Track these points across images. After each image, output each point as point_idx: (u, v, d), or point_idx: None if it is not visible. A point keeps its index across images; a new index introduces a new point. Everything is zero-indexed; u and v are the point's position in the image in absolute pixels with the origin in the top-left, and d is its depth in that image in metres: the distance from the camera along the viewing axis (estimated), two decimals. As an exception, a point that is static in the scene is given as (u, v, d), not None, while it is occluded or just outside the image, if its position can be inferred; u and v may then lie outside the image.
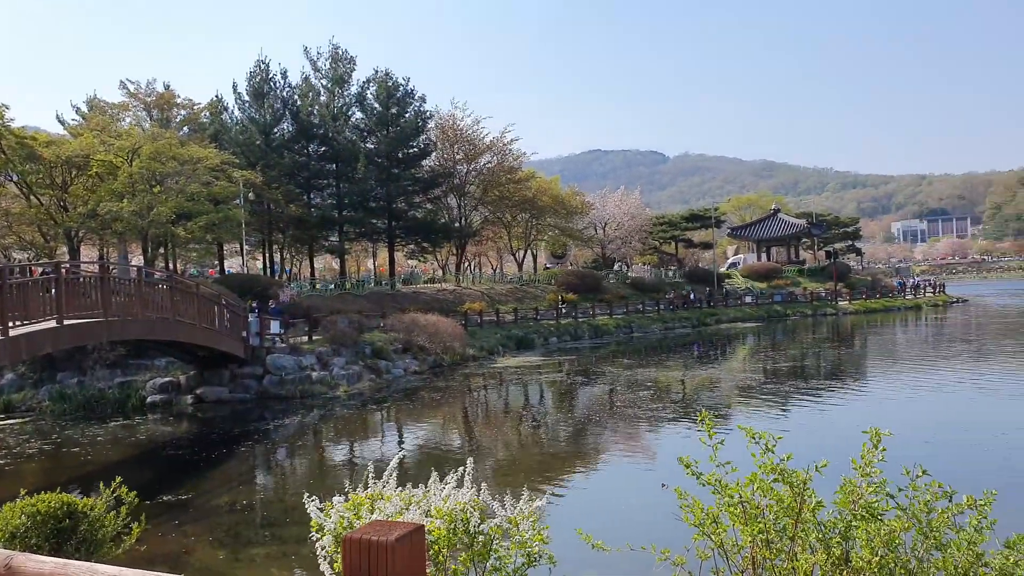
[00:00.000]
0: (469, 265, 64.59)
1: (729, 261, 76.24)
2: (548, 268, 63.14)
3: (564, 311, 41.88)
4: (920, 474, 3.10)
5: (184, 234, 32.06)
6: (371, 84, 44.89)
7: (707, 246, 72.88)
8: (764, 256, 71.06)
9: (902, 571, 2.91)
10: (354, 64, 44.62)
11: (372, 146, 44.33)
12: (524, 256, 61.03)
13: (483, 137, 49.09)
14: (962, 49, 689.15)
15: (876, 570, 2.88)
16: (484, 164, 50.12)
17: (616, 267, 63.65)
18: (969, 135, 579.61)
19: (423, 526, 2.10)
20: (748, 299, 55.91)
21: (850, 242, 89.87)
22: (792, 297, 56.90)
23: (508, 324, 37.30)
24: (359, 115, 45.74)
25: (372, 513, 4.07)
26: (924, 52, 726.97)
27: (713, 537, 3.27)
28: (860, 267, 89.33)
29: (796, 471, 3.19)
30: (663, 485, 3.98)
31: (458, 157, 49.09)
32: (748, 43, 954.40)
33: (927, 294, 62.99)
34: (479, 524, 3.92)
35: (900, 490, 3.09)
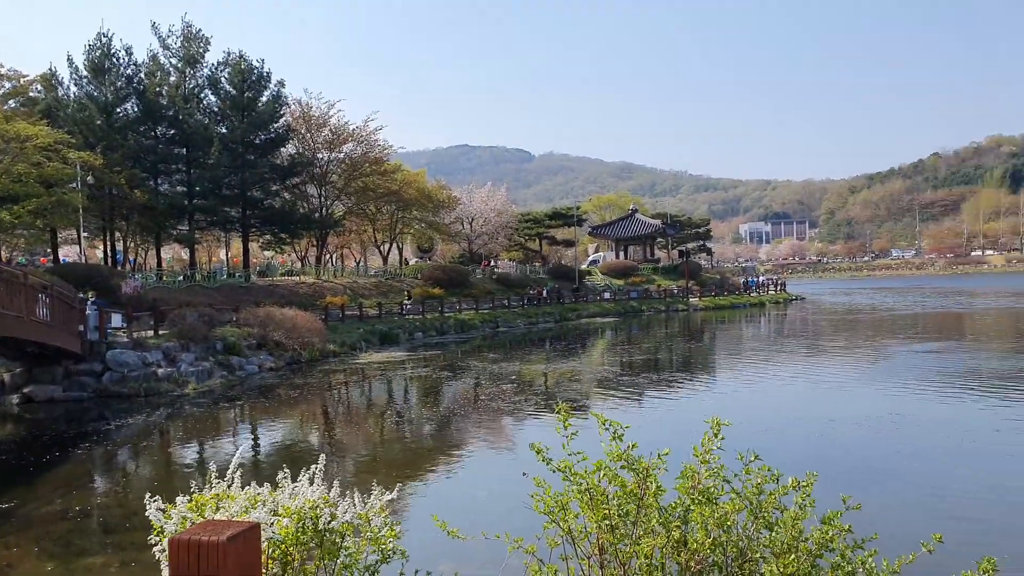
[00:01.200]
0: (331, 258, 62.97)
1: (590, 258, 78.74)
2: (415, 262, 62.66)
3: (427, 306, 41.69)
4: (752, 459, 3.30)
5: (9, 218, 29.21)
6: (225, 67, 42.67)
7: (569, 244, 74.88)
8: (622, 254, 73.94)
9: (734, 550, 3.09)
10: (207, 44, 42.28)
11: (226, 131, 42.14)
12: (389, 250, 60.25)
13: (346, 125, 47.98)
14: (799, 66, 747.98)
15: (710, 550, 3.04)
16: (347, 153, 49.00)
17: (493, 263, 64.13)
18: (808, 145, 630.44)
19: (258, 524, 1.99)
20: (607, 295, 58.00)
21: (701, 242, 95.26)
22: (647, 294, 59.56)
23: (372, 319, 36.70)
24: (212, 98, 43.39)
25: (216, 513, 3.86)
26: (767, 67, 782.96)
27: (561, 524, 3.33)
28: (710, 266, 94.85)
29: (641, 458, 3.31)
30: (524, 474, 4.01)
31: (319, 145, 47.69)
32: (610, 47, 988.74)
33: (770, 292, 67.82)
34: (329, 521, 3.80)
35: (735, 475, 3.28)
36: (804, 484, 3.23)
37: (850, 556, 2.97)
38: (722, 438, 3.32)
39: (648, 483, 3.25)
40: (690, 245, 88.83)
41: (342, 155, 49.01)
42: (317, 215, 47.82)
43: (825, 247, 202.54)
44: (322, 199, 48.85)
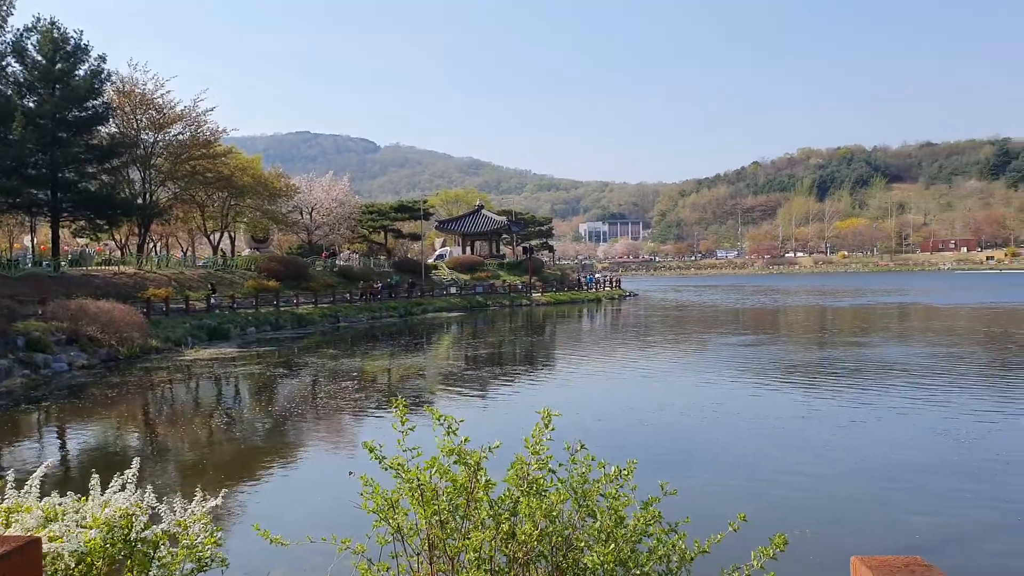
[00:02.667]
0: (155, 247, 58.82)
1: (437, 253, 78.75)
2: (249, 253, 59.73)
3: (262, 299, 39.94)
4: (579, 448, 3.40)
5: None
6: (32, 33, 38.54)
7: (416, 237, 74.48)
8: (469, 249, 74.53)
9: (559, 539, 3.17)
10: (11, 7, 37.99)
11: (33, 104, 38.12)
12: (220, 239, 57.05)
13: (173, 105, 44.84)
14: (634, 76, 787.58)
15: (537, 541, 3.10)
16: (174, 135, 45.84)
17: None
18: (643, 149, 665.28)
19: (38, 539, 1.77)
20: (453, 290, 58.25)
21: (544, 239, 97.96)
22: (493, 289, 60.44)
23: (200, 313, 34.62)
24: (17, 67, 39.07)
25: (8, 529, 3.46)
26: (607, 76, 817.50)
27: (391, 522, 3.28)
28: (552, 263, 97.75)
29: (473, 452, 3.32)
30: (350, 473, 3.91)
31: (143, 125, 44.28)
32: (459, 44, 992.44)
33: (606, 288, 70.90)
34: (143, 531, 3.52)
35: (560, 464, 3.36)
36: (625, 471, 3.37)
37: (665, 539, 3.13)
38: (553, 429, 3.40)
39: (478, 477, 3.26)
40: (534, 242, 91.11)
41: (169, 137, 45.79)
42: (140, 200, 44.39)
43: (657, 246, 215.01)
44: (146, 183, 45.40)
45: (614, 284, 73.71)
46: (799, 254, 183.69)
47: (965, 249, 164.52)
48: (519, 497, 3.20)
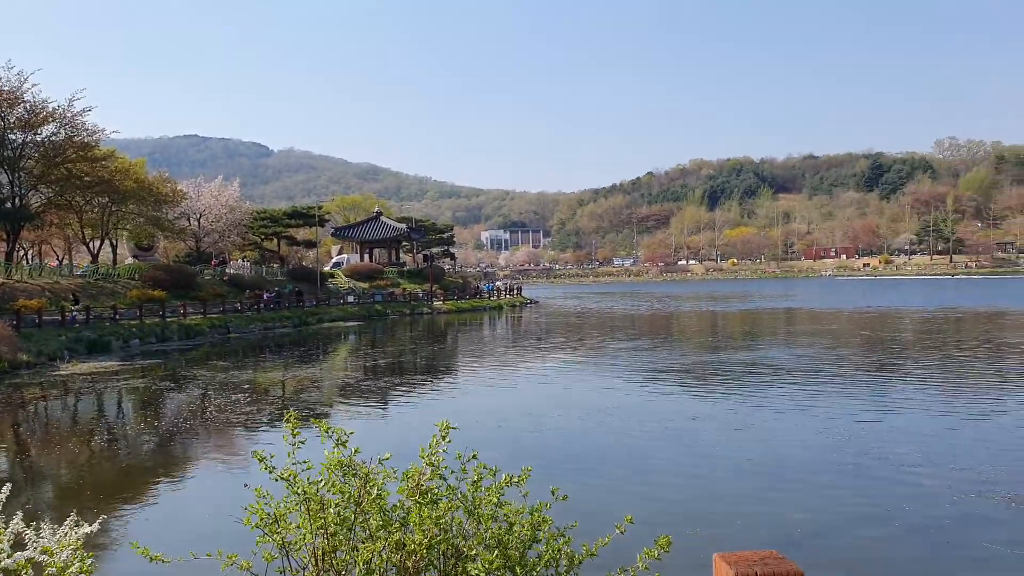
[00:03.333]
0: (26, 255, 54.97)
1: (333, 260, 77.17)
2: (133, 261, 56.71)
3: (147, 309, 38.01)
4: (471, 458, 3.41)
5: None
6: None
7: (311, 244, 72.74)
8: (367, 257, 73.42)
9: (448, 548, 3.17)
10: None
11: None
12: (100, 247, 53.82)
13: (45, 104, 42.04)
14: (531, 86, 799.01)
15: (427, 551, 3.09)
16: (48, 136, 43.01)
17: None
18: (543, 159, 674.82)
19: None
20: (351, 298, 57.21)
21: (445, 247, 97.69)
22: (392, 297, 59.75)
23: (78, 325, 32.59)
24: None
25: None
26: (507, 85, 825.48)
27: (275, 536, 3.19)
28: (454, 270, 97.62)
29: (363, 464, 3.28)
30: (245, 485, 3.79)
31: (11, 124, 41.33)
32: (354, 46, 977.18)
33: (508, 296, 71.42)
34: (8, 559, 3.29)
35: (452, 472, 3.37)
36: (519, 478, 3.41)
37: (554, 544, 3.19)
38: (449, 441, 3.40)
39: (369, 488, 3.22)
40: (435, 250, 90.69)
41: (41, 138, 42.90)
42: (8, 205, 41.37)
43: (557, 255, 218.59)
44: (15, 187, 42.37)
45: (515, 292, 74.39)
46: (692, 262, 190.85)
47: (844, 256, 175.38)
48: (410, 507, 3.18)
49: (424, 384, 21.64)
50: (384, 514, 3.18)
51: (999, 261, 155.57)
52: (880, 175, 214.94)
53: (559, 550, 3.15)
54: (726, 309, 56.39)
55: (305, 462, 3.43)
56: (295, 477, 3.29)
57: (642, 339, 33.86)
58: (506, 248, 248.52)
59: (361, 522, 3.20)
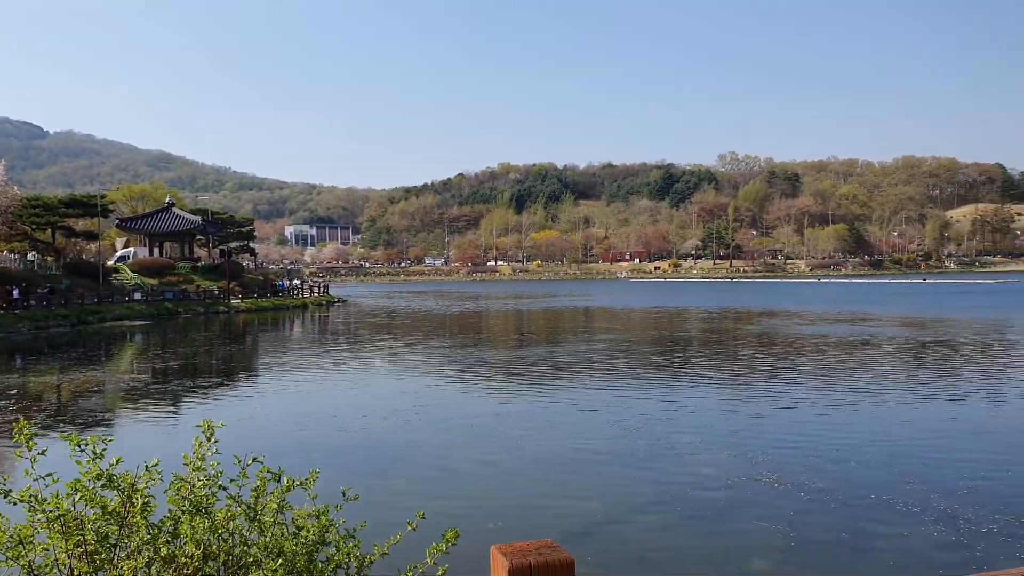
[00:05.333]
0: None
1: (118, 254, 70.53)
2: None
3: None
4: (251, 462, 3.20)
5: None
6: None
7: (93, 236, 66.05)
8: (157, 251, 67.99)
9: (226, 557, 2.94)
10: None
11: None
12: None
13: None
14: (341, 80, 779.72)
15: (200, 562, 2.85)
16: None
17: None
18: (351, 152, 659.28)
19: None
20: (138, 296, 52.66)
21: (245, 242, 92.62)
22: (185, 294, 55.74)
23: None
24: None
25: None
26: (312, 76, 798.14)
27: (21, 560, 2.80)
28: (254, 267, 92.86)
29: (127, 474, 2.96)
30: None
31: None
32: (137, 15, 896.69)
33: (314, 294, 69.11)
34: None
35: (232, 480, 3.14)
36: (306, 481, 3.25)
37: (343, 546, 3.07)
38: (216, 441, 3.16)
39: (135, 500, 2.91)
40: (233, 245, 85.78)
41: None
42: None
43: (367, 252, 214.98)
44: None
45: (322, 290, 72.19)
46: (500, 262, 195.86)
47: (638, 260, 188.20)
48: (180, 518, 2.92)
49: (220, 387, 20.35)
50: (152, 527, 2.89)
51: (770, 266, 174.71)
52: (671, 185, 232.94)
53: (348, 553, 3.04)
54: (531, 308, 58.41)
55: (50, 475, 3.03)
56: (37, 497, 2.88)
57: (452, 338, 34.17)
58: (313, 244, 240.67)
59: (126, 537, 2.89)
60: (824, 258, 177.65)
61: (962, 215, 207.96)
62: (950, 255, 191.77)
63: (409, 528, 3.27)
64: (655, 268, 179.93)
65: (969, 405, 15.90)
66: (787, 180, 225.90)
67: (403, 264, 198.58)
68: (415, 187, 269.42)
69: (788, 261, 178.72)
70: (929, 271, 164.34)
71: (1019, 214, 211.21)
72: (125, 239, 76.20)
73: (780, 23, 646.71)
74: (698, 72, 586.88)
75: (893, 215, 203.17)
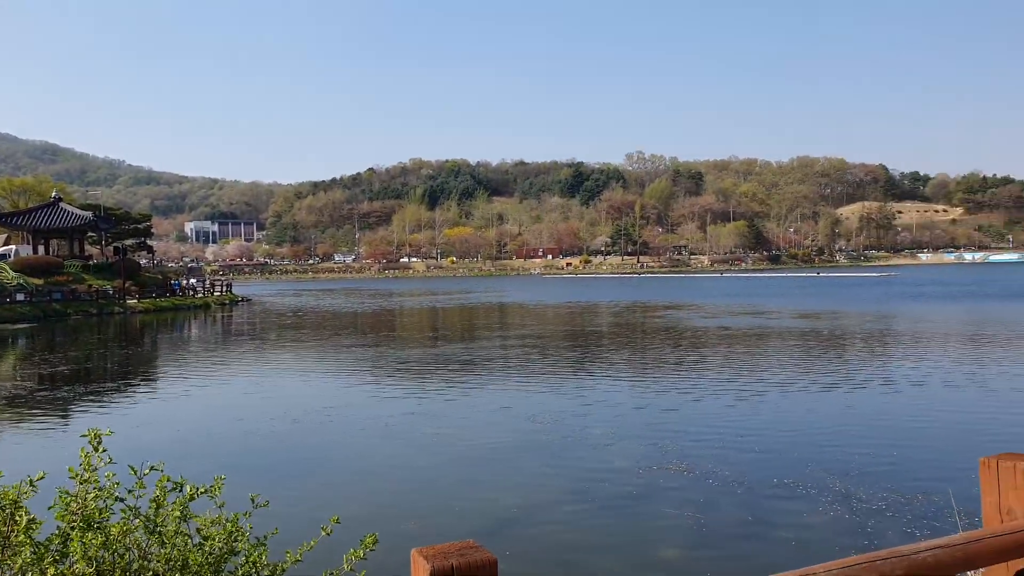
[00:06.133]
0: None
1: (-1, 252, 65.93)
2: None
3: None
4: (148, 471, 3.00)
5: None
6: None
7: (-32, 234, 61.48)
8: (42, 249, 63.87)
9: (122, 573, 2.75)
10: None
11: None
12: None
13: None
14: (238, 69, 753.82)
15: (93, 581, 2.65)
16: None
17: None
18: (255, 146, 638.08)
19: None
20: (20, 297, 49.39)
21: (142, 239, 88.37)
22: (75, 295, 52.69)
23: None
24: None
25: None
26: (207, 68, 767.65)
27: None
28: (152, 265, 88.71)
29: (7, 490, 2.72)
30: None
31: None
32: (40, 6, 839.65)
33: (216, 293, 66.58)
34: None
35: (129, 491, 2.93)
36: (212, 488, 3.08)
37: (253, 555, 2.92)
38: (104, 450, 2.94)
39: (18, 518, 2.68)
40: (128, 242, 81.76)
41: None
42: None
43: (273, 249, 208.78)
44: None
45: (225, 288, 69.63)
46: (413, 259, 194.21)
47: (551, 256, 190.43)
48: (70, 534, 2.70)
49: (114, 392, 19.29)
50: (38, 546, 2.66)
51: (675, 262, 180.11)
52: (581, 183, 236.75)
53: (255, 562, 2.89)
54: (446, 305, 58.17)
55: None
56: None
57: (364, 336, 33.61)
58: (215, 241, 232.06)
59: (9, 559, 2.65)
60: (726, 254, 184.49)
61: (851, 212, 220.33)
62: (840, 250, 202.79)
63: (324, 533, 3.15)
64: (567, 264, 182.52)
65: (862, 393, 16.81)
66: (691, 179, 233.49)
67: (311, 261, 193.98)
68: (323, 182, 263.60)
69: (692, 257, 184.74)
70: (822, 265, 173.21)
71: (900, 212, 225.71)
72: (5, 236, 71.34)
73: (682, 24, 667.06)
74: (606, 72, 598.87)
75: (789, 212, 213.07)
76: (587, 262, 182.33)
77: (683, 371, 20.40)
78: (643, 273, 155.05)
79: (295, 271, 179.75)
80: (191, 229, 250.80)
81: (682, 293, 68.54)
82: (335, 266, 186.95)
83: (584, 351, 25.98)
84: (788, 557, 7.54)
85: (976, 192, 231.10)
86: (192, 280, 72.81)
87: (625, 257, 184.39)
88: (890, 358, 22.31)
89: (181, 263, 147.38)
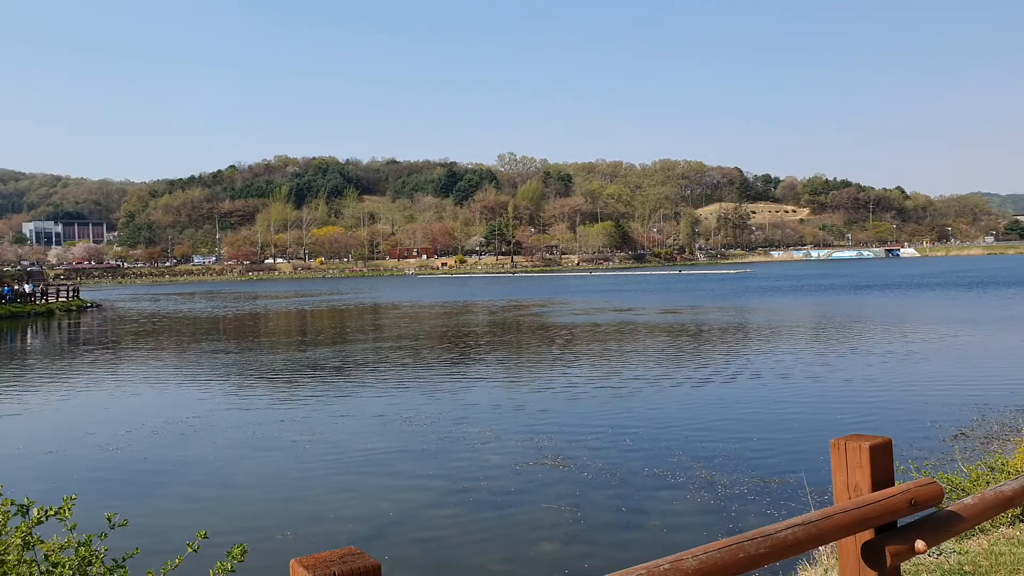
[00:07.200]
0: None
1: None
2: None
3: None
4: (-13, 493, 2.72)
5: None
6: None
7: None
8: None
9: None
10: None
11: None
12: None
13: None
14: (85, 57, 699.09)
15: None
16: None
17: None
18: (104, 141, 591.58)
19: None
20: None
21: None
22: None
23: None
24: None
25: None
26: (59, 52, 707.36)
27: None
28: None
29: None
30: None
31: None
32: None
33: (60, 299, 61.57)
34: None
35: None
36: (60, 510, 2.83)
37: (110, 578, 2.71)
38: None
39: None
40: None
41: None
42: None
43: (126, 251, 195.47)
44: None
45: (71, 294, 64.53)
46: (279, 260, 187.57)
47: (425, 256, 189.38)
48: None
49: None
50: None
51: (547, 261, 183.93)
52: (455, 183, 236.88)
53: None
54: (316, 307, 56.56)
55: None
56: None
57: (227, 342, 32.10)
58: (59, 243, 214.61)
59: None
60: (594, 253, 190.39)
61: (709, 212, 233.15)
62: (700, 248, 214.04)
63: (190, 550, 2.96)
64: (442, 264, 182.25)
65: (725, 385, 17.80)
66: (560, 180, 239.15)
67: (168, 263, 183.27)
68: (180, 179, 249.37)
69: (563, 256, 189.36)
70: (684, 263, 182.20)
71: (754, 212, 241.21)
72: None
73: (549, 31, 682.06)
74: (478, 73, 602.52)
75: (652, 213, 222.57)
76: (462, 262, 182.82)
77: (557, 369, 20.84)
78: (517, 272, 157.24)
79: (151, 274, 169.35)
80: (30, 230, 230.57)
81: (554, 291, 70.06)
82: (195, 268, 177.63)
83: (460, 352, 26.02)
84: (659, 543, 7.87)
85: (820, 194, 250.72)
86: (27, 286, 65.83)
87: (499, 257, 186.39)
88: (749, 350, 23.76)
89: (20, 267, 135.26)
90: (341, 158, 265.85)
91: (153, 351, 29.15)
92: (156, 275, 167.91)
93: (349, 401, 16.56)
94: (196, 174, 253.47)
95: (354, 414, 15.12)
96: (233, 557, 2.79)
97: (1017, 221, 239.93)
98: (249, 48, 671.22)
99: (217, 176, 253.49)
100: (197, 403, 16.83)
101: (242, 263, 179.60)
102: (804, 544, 2.27)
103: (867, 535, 2.57)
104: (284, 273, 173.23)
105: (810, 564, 5.99)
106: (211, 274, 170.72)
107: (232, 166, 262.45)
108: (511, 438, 12.65)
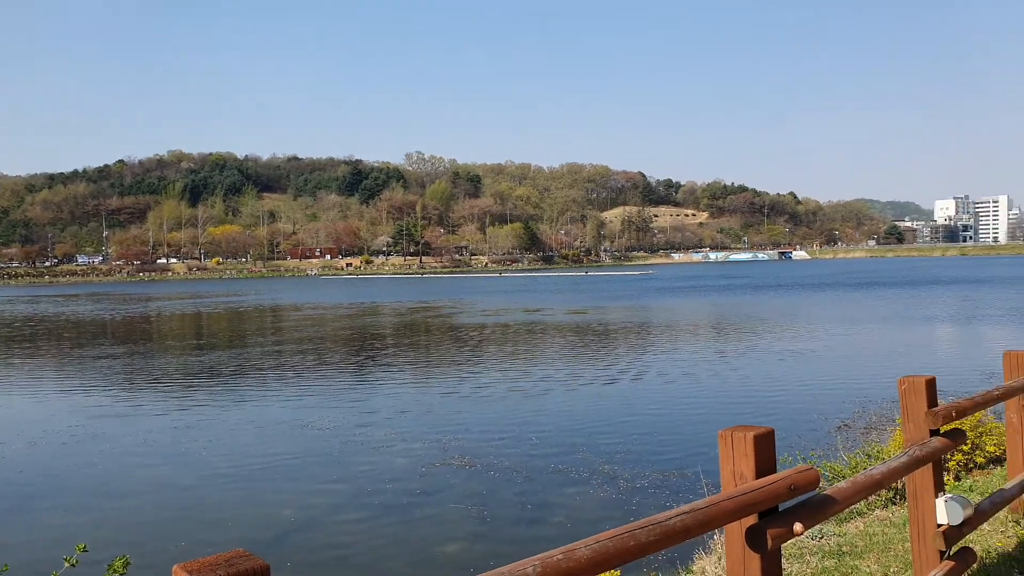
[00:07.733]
0: None
1: None
2: None
3: None
4: None
5: None
6: None
7: None
8: None
9: None
10: None
11: None
12: None
13: None
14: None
15: None
16: None
17: None
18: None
19: None
20: None
21: None
22: None
23: None
24: None
25: None
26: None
27: None
28: None
29: None
30: None
31: None
32: None
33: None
34: None
35: None
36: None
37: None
38: None
39: None
40: None
41: None
42: None
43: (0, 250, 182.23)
44: None
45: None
46: (173, 260, 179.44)
47: (329, 256, 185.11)
48: None
49: None
50: None
51: (457, 262, 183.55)
52: (360, 181, 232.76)
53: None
54: (212, 309, 54.43)
55: None
56: None
57: (117, 347, 30.46)
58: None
59: None
60: (504, 254, 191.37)
61: (614, 216, 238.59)
62: (606, 250, 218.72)
63: (68, 565, 2.80)
64: (347, 264, 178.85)
65: (626, 383, 18.26)
66: (469, 181, 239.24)
67: (49, 263, 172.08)
68: (62, 174, 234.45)
69: (473, 257, 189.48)
70: (590, 265, 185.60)
71: (656, 215, 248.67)
72: None
73: (456, 29, 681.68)
74: (383, 71, 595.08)
75: (560, 215, 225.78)
76: (368, 262, 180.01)
77: (466, 370, 20.84)
78: (425, 273, 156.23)
79: (28, 274, 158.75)
80: None
81: (464, 292, 70.00)
82: (79, 268, 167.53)
83: (366, 355, 25.63)
84: (562, 537, 7.98)
85: (718, 198, 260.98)
86: None
87: (407, 257, 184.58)
88: (652, 349, 24.46)
89: None
90: (240, 154, 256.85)
91: (30, 357, 27.32)
92: (34, 275, 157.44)
93: (247, 407, 16.03)
94: (80, 168, 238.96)
95: (253, 420, 14.65)
96: (115, 570, 2.66)
97: (895, 226, 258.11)
98: (135, 36, 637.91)
99: (104, 171, 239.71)
100: (81, 411, 15.89)
101: (132, 263, 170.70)
102: (692, 530, 2.36)
103: (751, 520, 2.70)
104: (178, 274, 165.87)
105: (705, 553, 6.22)
106: (98, 275, 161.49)
107: (121, 161, 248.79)
108: (417, 441, 12.57)
